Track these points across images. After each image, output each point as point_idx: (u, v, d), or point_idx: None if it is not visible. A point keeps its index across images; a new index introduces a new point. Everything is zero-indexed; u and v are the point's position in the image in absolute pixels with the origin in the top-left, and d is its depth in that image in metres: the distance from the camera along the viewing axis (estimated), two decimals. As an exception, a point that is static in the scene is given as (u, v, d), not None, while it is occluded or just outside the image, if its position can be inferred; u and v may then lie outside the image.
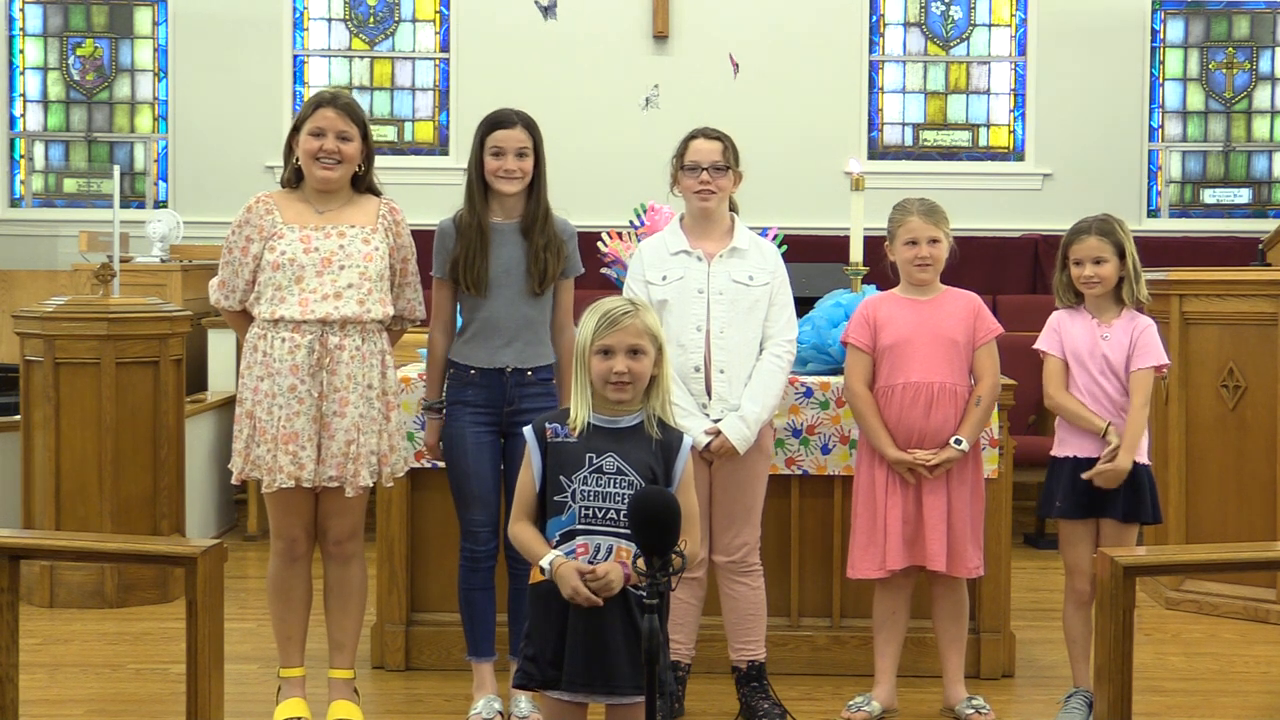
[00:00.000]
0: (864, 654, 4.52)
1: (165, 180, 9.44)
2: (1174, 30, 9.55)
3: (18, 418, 5.83)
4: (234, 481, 4.10)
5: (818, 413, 4.62)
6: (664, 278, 4.19)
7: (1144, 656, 4.40)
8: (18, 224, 9.32)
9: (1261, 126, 9.61)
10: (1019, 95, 9.50)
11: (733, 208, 4.35)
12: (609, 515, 3.03)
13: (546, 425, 3.12)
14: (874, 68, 9.47)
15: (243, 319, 4.11)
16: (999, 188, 9.34)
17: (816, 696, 4.46)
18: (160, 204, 9.33)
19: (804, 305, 4.60)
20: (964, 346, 4.21)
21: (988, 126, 9.57)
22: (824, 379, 4.62)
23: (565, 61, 9.12)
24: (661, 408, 3.14)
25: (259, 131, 9.19)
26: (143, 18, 9.51)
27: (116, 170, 6.61)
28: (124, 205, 7.52)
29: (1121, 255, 4.17)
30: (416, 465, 4.58)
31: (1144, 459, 4.18)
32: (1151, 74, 9.45)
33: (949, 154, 9.53)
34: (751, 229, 4.35)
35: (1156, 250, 7.93)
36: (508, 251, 4.13)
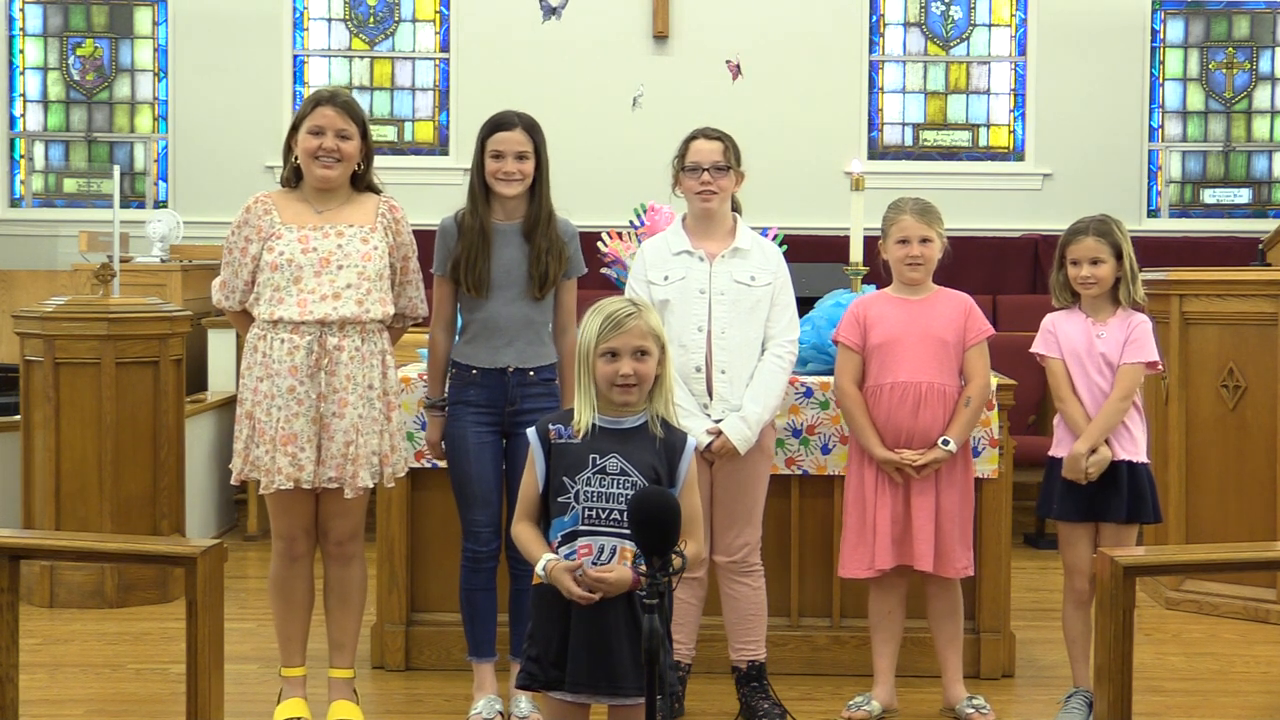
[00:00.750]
0: (864, 654, 4.52)
1: (165, 180, 9.44)
2: (1174, 30, 9.55)
3: (18, 418, 5.83)
4: (233, 482, 4.10)
5: (818, 413, 4.63)
6: (666, 278, 4.19)
7: (1144, 656, 4.40)
8: (18, 224, 9.32)
9: (1261, 126, 9.61)
10: (1019, 95, 9.50)
11: (736, 208, 4.35)
12: (612, 516, 3.03)
13: (550, 427, 3.12)
14: (874, 68, 9.47)
15: (245, 319, 4.10)
16: (999, 188, 9.34)
17: (816, 696, 4.46)
18: (160, 204, 9.33)
19: (804, 305, 4.60)
20: (954, 347, 4.21)
21: (988, 126, 9.57)
22: (824, 379, 4.62)
23: (565, 62, 9.12)
24: (665, 408, 3.13)
25: (259, 131, 9.19)
26: (143, 18, 9.51)
27: (116, 170, 6.61)
28: (124, 205, 7.52)
29: (1119, 256, 4.16)
30: (416, 465, 4.58)
31: (1143, 458, 4.18)
32: (1151, 74, 9.45)
33: (949, 154, 9.53)
34: (752, 229, 4.35)
35: (1156, 250, 7.94)
36: (509, 253, 4.13)
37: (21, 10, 9.47)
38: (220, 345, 7.26)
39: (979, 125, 9.57)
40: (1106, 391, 4.15)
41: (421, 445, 4.55)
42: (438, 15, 9.46)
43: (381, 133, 9.36)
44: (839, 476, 4.61)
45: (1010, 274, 8.77)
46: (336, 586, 4.15)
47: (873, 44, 9.45)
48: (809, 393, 4.62)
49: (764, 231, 4.85)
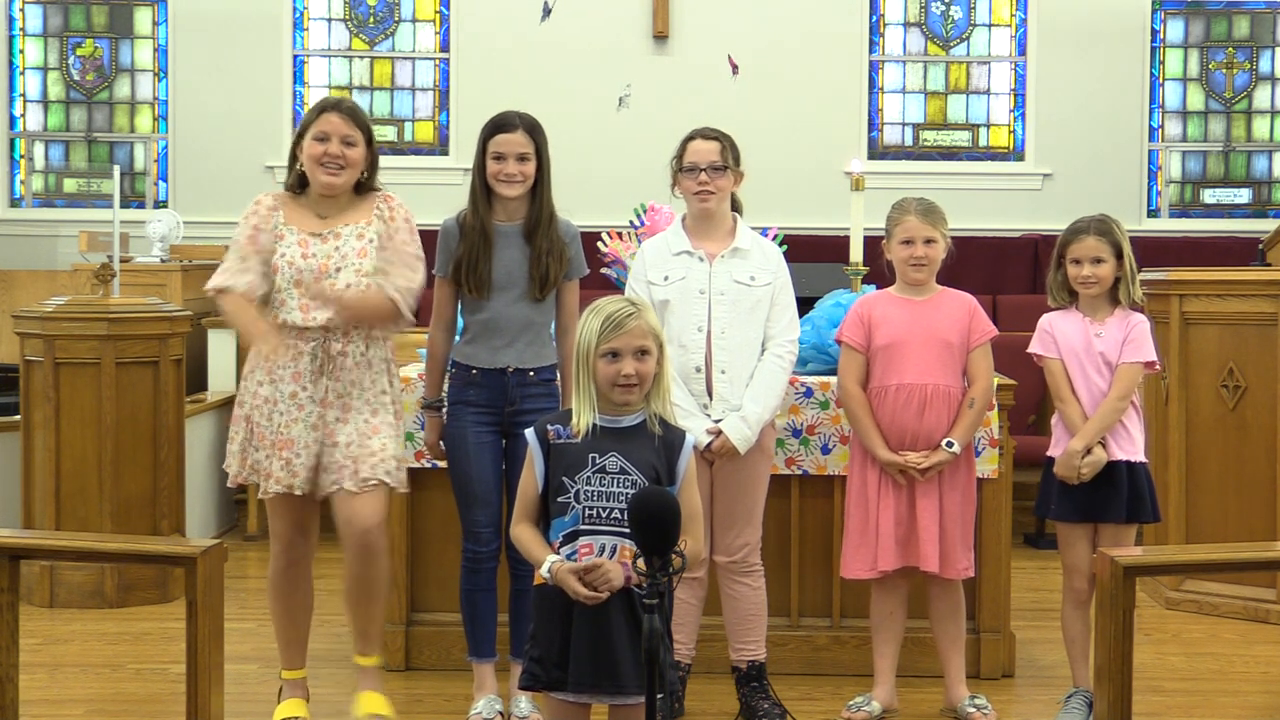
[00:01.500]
0: (864, 654, 4.52)
1: (165, 180, 9.44)
2: (1174, 30, 9.55)
3: (18, 418, 5.83)
4: (230, 484, 4.10)
5: (818, 413, 4.62)
6: (666, 278, 4.19)
7: (1144, 656, 4.40)
8: (18, 224, 9.32)
9: (1261, 126, 9.61)
10: (1019, 95, 9.50)
11: (737, 207, 4.35)
12: (613, 515, 3.03)
13: (549, 427, 3.12)
14: (874, 68, 9.47)
15: (235, 302, 3.96)
16: (999, 188, 9.34)
17: (816, 696, 4.46)
18: (160, 204, 9.33)
19: (804, 305, 4.60)
20: (958, 349, 4.21)
21: (988, 126, 9.57)
22: (824, 379, 4.62)
23: (565, 62, 9.12)
24: (662, 406, 3.14)
25: (259, 131, 9.19)
26: (143, 18, 9.51)
27: (116, 170, 6.61)
28: (124, 205, 7.52)
29: (1119, 256, 4.16)
30: (416, 465, 4.58)
31: (1141, 458, 4.18)
32: (1151, 74, 9.45)
33: (949, 154, 9.53)
34: (752, 229, 4.35)
35: (1156, 250, 7.94)
36: (510, 255, 4.12)
37: (21, 10, 9.47)
38: (220, 345, 7.26)
39: (979, 125, 9.57)
40: (1105, 391, 4.15)
41: (421, 445, 4.55)
42: (438, 15, 9.46)
43: (381, 133, 9.36)
44: (839, 476, 4.61)
45: (1010, 274, 8.77)
46: (360, 577, 4.01)
47: (873, 44, 9.45)
48: (809, 393, 4.62)
49: (764, 231, 4.85)
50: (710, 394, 4.13)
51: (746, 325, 4.17)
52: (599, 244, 5.37)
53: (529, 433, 3.16)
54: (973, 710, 4.23)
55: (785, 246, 4.74)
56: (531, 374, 4.13)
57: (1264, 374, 5.41)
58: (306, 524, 4.07)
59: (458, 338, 4.23)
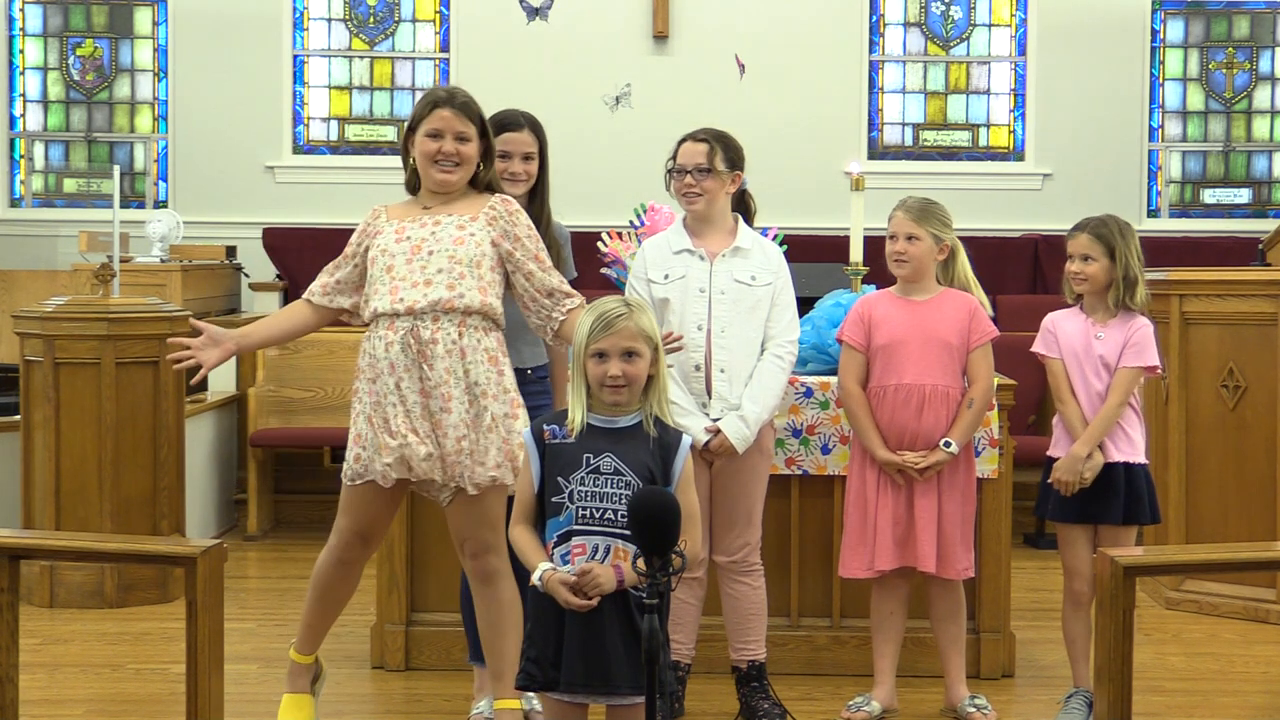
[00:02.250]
0: (864, 654, 4.52)
1: (165, 180, 9.44)
2: (1174, 30, 9.55)
3: (18, 418, 5.83)
4: (345, 480, 3.84)
5: (818, 413, 4.62)
6: (666, 276, 4.19)
7: (1144, 656, 4.39)
8: (18, 224, 9.32)
9: (1261, 126, 9.61)
10: (1019, 95, 9.50)
11: (748, 208, 4.36)
12: (606, 515, 3.03)
13: (544, 427, 3.12)
14: (874, 68, 9.47)
15: (311, 313, 3.92)
16: (999, 188, 9.34)
17: (816, 696, 4.46)
18: (160, 204, 9.33)
19: (804, 305, 4.60)
20: (958, 349, 4.20)
21: (988, 126, 9.58)
22: (824, 379, 4.62)
23: (565, 61, 9.13)
24: (659, 407, 3.13)
25: (259, 131, 9.19)
26: (143, 18, 9.51)
27: (116, 170, 6.61)
28: (124, 205, 7.51)
29: (1112, 257, 4.15)
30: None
31: (1140, 459, 4.18)
32: (1151, 74, 9.45)
33: (949, 154, 9.53)
34: (752, 229, 4.35)
35: (1156, 250, 7.91)
36: None
37: (21, 10, 9.47)
38: (220, 345, 7.24)
39: (979, 125, 9.58)
40: (1102, 393, 4.15)
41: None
42: (438, 15, 9.46)
43: (381, 133, 9.37)
44: (839, 476, 4.61)
45: (1010, 274, 8.77)
46: (486, 608, 3.82)
47: (873, 44, 9.45)
48: (809, 393, 4.62)
49: (764, 231, 4.84)
50: (709, 393, 4.13)
51: (746, 325, 4.17)
52: (599, 244, 5.37)
53: (525, 433, 3.16)
54: (973, 710, 4.23)
55: (785, 246, 4.73)
56: (529, 372, 4.13)
57: (1264, 374, 5.41)
58: (373, 531, 3.89)
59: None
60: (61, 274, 8.27)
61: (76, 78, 9.53)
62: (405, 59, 9.50)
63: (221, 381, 7.16)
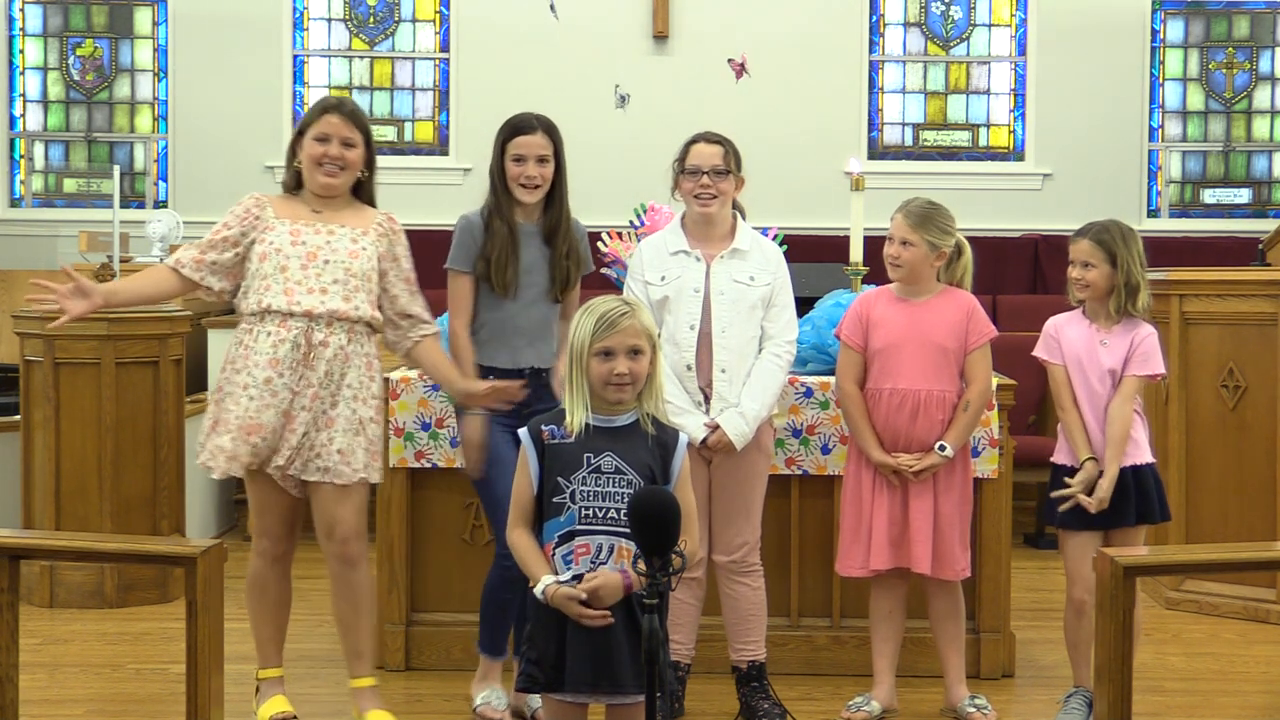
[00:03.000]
0: (863, 654, 4.52)
1: (165, 180, 9.45)
2: (1174, 30, 9.56)
3: (18, 418, 5.83)
4: (199, 463, 3.99)
5: (818, 413, 4.63)
6: (662, 277, 4.19)
7: (1144, 656, 4.40)
8: (18, 224, 9.33)
9: (1261, 126, 9.61)
10: (1019, 95, 9.51)
11: (739, 212, 4.35)
12: (609, 515, 3.03)
13: (543, 427, 3.12)
14: (874, 68, 9.47)
15: (174, 281, 4.03)
16: (999, 188, 9.35)
17: (816, 696, 4.46)
18: (160, 204, 9.34)
19: (804, 305, 4.60)
20: (954, 353, 4.19)
21: (988, 126, 9.58)
22: (824, 379, 4.62)
23: (565, 61, 9.13)
24: (655, 405, 3.14)
25: (259, 131, 9.20)
26: (143, 18, 9.52)
27: (116, 170, 6.62)
28: (124, 205, 7.52)
29: (1114, 263, 4.14)
30: (418, 465, 4.59)
31: (1146, 459, 4.17)
32: (1151, 74, 9.46)
33: (949, 154, 9.53)
34: (752, 229, 4.35)
35: (1156, 250, 7.86)
36: (529, 255, 4.12)
37: (21, 10, 9.47)
38: (220, 345, 7.24)
39: (979, 125, 9.58)
40: (1105, 400, 4.13)
41: (421, 445, 4.54)
42: (438, 15, 9.46)
43: (382, 133, 9.37)
44: (839, 476, 4.60)
45: (1010, 274, 8.78)
46: (344, 592, 4.05)
47: (873, 44, 9.45)
48: (809, 393, 4.62)
49: (764, 231, 4.84)
50: (702, 392, 4.13)
51: (747, 325, 4.17)
52: (599, 244, 5.37)
53: (522, 433, 3.15)
54: (972, 710, 4.23)
55: (785, 246, 4.73)
56: (545, 373, 4.13)
57: (1264, 374, 5.41)
58: (292, 522, 4.05)
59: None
60: (62, 274, 8.26)
61: (76, 78, 9.54)
62: (405, 59, 9.50)
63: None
